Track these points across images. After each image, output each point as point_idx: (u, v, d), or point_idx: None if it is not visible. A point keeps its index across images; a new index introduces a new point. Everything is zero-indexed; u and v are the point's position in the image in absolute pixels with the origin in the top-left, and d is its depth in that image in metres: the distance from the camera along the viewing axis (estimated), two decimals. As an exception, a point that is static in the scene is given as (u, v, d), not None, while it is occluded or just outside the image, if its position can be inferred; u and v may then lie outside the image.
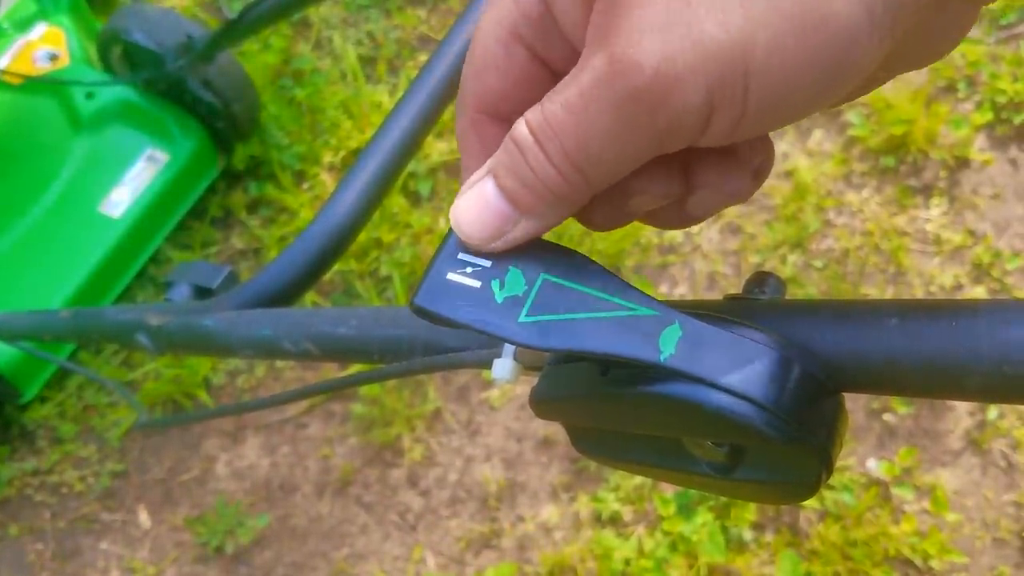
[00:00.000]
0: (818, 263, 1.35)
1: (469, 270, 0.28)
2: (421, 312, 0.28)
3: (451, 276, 0.28)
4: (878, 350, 0.25)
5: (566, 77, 0.24)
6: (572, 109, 0.23)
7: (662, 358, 0.25)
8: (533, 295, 0.27)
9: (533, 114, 0.25)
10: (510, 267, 0.27)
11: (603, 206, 0.28)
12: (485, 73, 0.27)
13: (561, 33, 0.26)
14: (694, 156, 0.27)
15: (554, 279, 0.27)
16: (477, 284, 0.27)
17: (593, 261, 0.27)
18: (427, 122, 0.64)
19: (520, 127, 0.25)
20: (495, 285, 0.27)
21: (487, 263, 0.27)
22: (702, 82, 0.21)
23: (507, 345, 0.35)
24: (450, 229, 0.29)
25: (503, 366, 0.33)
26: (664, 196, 0.27)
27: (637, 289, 0.27)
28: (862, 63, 0.21)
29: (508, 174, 0.26)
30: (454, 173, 1.52)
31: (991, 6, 1.43)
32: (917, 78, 1.42)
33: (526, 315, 0.27)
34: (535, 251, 0.28)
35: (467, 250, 0.28)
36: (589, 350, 0.26)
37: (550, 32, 0.26)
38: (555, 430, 1.29)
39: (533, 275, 0.27)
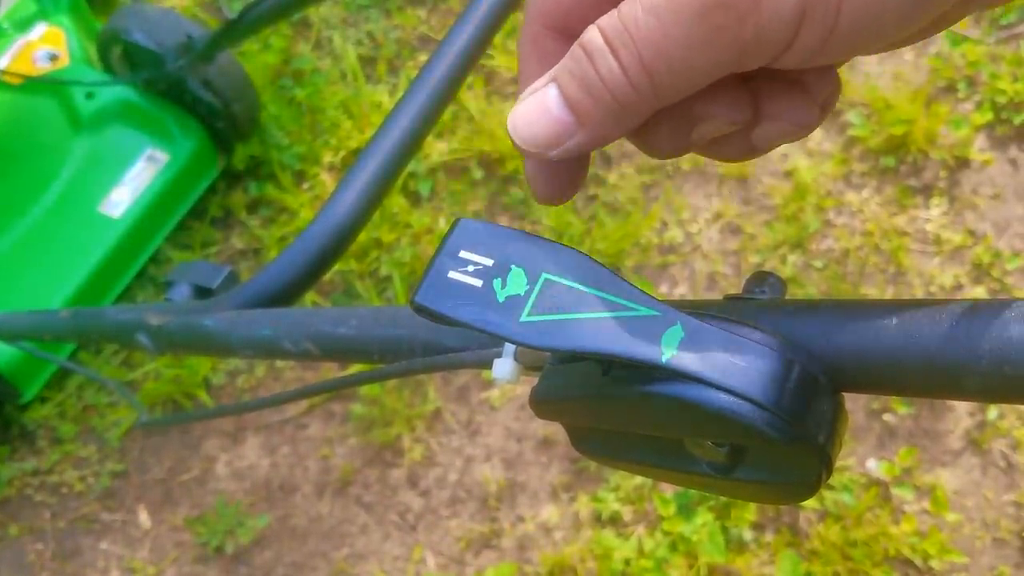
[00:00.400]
0: (818, 263, 1.35)
1: (470, 268, 0.27)
2: (421, 310, 0.28)
3: (452, 274, 0.27)
4: (878, 350, 0.25)
5: None
6: (655, 12, 0.23)
7: (664, 359, 0.25)
8: (535, 294, 0.27)
9: (608, 19, 0.24)
10: (512, 266, 0.27)
11: (668, 131, 0.27)
12: None
13: None
14: (764, 85, 0.26)
15: (556, 278, 0.27)
16: (478, 283, 0.27)
17: (595, 260, 0.27)
18: (427, 122, 0.64)
19: (591, 33, 0.24)
20: (497, 284, 0.27)
21: (489, 262, 0.27)
22: None
23: (508, 345, 0.35)
24: (450, 227, 0.29)
25: (503, 366, 0.33)
26: (732, 123, 0.26)
27: (639, 289, 0.27)
28: None
29: (573, 81, 0.25)
30: (454, 173, 1.52)
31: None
32: (917, 78, 1.42)
33: (528, 315, 0.26)
34: (537, 250, 0.27)
35: (467, 247, 0.28)
36: (591, 350, 0.26)
37: None
38: (555, 430, 1.29)
39: (535, 274, 0.27)
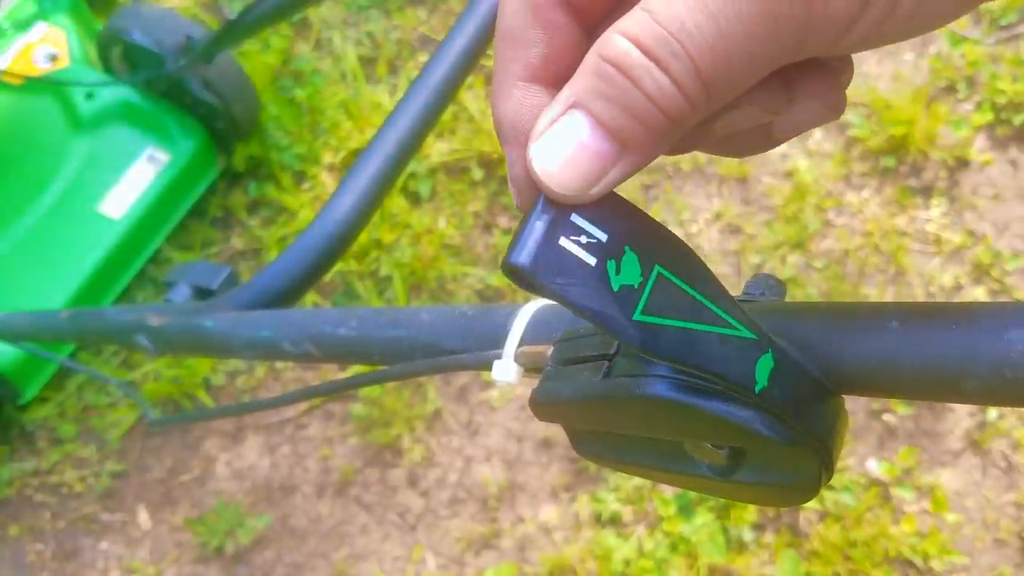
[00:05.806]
0: (818, 263, 1.35)
1: (584, 240, 0.23)
2: (521, 274, 0.23)
3: (564, 242, 0.23)
4: (878, 353, 0.25)
5: None
6: (707, 10, 0.19)
7: (757, 389, 0.25)
8: (648, 290, 0.24)
9: (641, 26, 0.20)
10: (626, 247, 0.24)
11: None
12: (524, 41, 0.24)
13: None
14: (794, 69, 0.24)
15: (668, 274, 0.24)
16: (592, 261, 0.23)
17: (698, 257, 0.25)
18: (427, 122, 0.64)
19: (620, 45, 0.21)
20: (611, 267, 0.23)
21: (602, 236, 0.23)
22: None
23: (508, 346, 0.34)
24: None
25: (505, 368, 0.33)
26: (769, 112, 0.24)
27: (736, 302, 0.25)
28: None
29: (610, 106, 0.21)
30: (454, 173, 1.52)
31: (991, 6, 1.43)
32: (917, 78, 1.41)
33: (641, 313, 0.23)
34: (648, 232, 0.24)
35: (579, 210, 0.23)
36: (694, 365, 0.24)
37: None
38: (555, 431, 1.29)
39: (648, 264, 0.24)
